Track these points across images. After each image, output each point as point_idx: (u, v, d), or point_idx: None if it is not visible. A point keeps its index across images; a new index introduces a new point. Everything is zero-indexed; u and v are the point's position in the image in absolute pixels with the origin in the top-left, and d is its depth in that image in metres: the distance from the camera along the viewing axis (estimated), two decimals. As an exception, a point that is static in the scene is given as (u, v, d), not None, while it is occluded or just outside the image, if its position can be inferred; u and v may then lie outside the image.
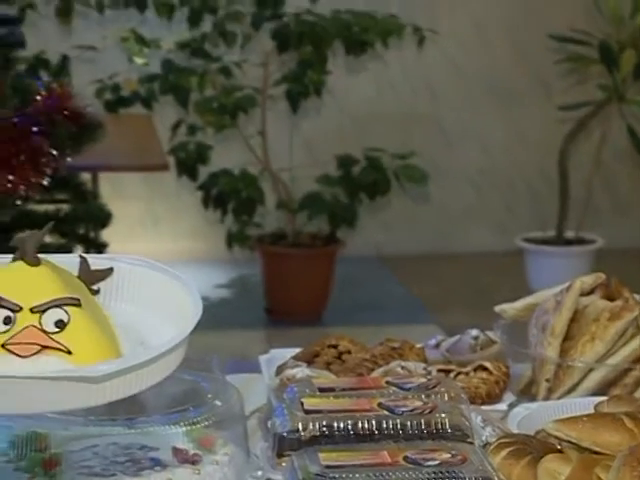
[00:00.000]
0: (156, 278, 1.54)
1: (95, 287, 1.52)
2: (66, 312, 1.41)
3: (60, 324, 1.40)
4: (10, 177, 3.06)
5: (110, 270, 1.53)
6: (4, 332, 1.39)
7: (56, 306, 1.41)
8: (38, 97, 3.22)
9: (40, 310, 1.40)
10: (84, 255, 1.53)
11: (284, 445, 1.68)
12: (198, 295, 1.49)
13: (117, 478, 1.66)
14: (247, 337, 5.65)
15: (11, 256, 1.46)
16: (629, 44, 6.10)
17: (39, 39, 4.71)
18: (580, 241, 6.35)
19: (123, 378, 1.39)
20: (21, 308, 1.40)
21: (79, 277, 1.51)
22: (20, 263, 1.44)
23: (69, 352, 1.39)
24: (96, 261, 1.54)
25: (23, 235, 1.46)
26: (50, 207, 3.65)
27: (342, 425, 1.68)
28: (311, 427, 1.67)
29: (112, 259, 1.55)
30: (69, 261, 1.52)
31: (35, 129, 3.16)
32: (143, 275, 1.55)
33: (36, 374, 1.35)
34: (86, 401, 1.39)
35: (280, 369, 2.07)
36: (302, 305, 6.10)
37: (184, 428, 1.71)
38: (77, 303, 1.42)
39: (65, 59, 3.86)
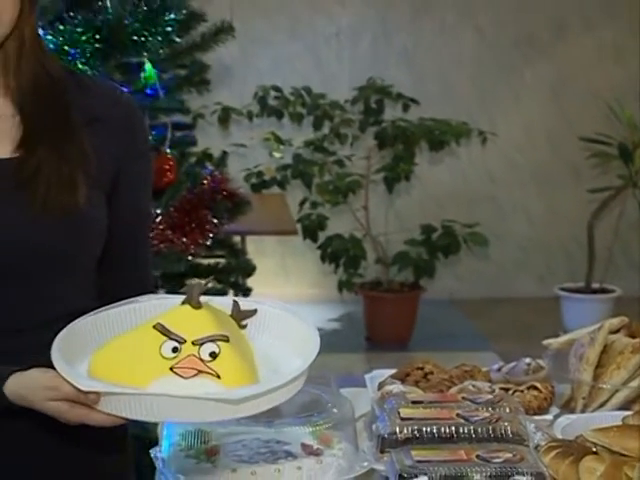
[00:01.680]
0: (287, 318, 1.52)
1: (243, 323, 1.51)
2: (218, 346, 1.39)
3: (213, 354, 1.38)
4: (184, 239, 3.08)
5: (255, 311, 1.52)
6: (172, 358, 1.38)
7: (210, 341, 1.39)
8: (204, 181, 3.24)
9: (199, 343, 1.38)
10: (236, 299, 1.52)
11: (385, 444, 1.65)
12: (317, 332, 1.47)
13: (259, 465, 1.64)
14: (352, 359, 5.60)
15: (182, 297, 1.45)
16: (640, 144, 6.06)
17: (205, 139, 4.75)
18: (603, 290, 6.24)
19: (259, 399, 1.37)
20: (185, 341, 1.39)
21: (231, 315, 1.49)
22: (187, 306, 1.44)
23: (218, 376, 1.37)
24: (245, 303, 1.52)
25: (191, 284, 1.46)
26: (211, 261, 3.65)
27: (429, 429, 1.64)
28: (405, 431, 1.64)
29: (256, 302, 1.53)
30: (226, 302, 1.51)
31: (202, 204, 3.18)
32: (278, 315, 1.53)
33: (194, 394, 1.35)
34: (230, 414, 1.37)
35: (380, 385, 2.04)
36: (393, 335, 6.05)
37: (310, 429, 1.69)
38: (226, 339, 1.40)
39: (224, 154, 3.88)
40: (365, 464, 1.67)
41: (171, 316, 1.43)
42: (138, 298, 1.52)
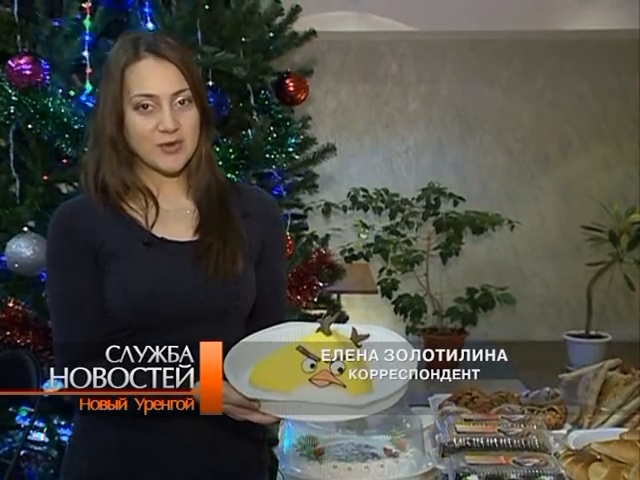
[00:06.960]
0: (389, 338, 1.49)
1: (359, 343, 1.46)
2: (343, 363, 1.37)
3: (340, 370, 1.37)
4: (298, 297, 3.08)
5: (367, 335, 1.48)
6: (310, 372, 1.37)
7: (337, 359, 1.38)
8: (313, 255, 3.24)
9: (329, 361, 1.37)
10: (355, 326, 1.48)
11: (445, 449, 1.61)
12: (411, 347, 1.42)
13: (353, 463, 1.62)
14: (415, 383, 5.37)
15: (313, 324, 1.44)
16: (624, 231, 5.93)
17: (313, 225, 4.77)
18: (598, 336, 6.07)
19: (373, 405, 1.35)
20: (319, 359, 1.38)
21: (351, 338, 1.46)
22: (320, 333, 1.42)
23: (344, 386, 1.36)
24: (361, 330, 1.48)
25: (324, 318, 1.45)
26: (316, 312, 3.63)
27: (477, 440, 1.60)
28: (460, 440, 1.60)
29: (369, 329, 1.49)
30: (347, 329, 1.48)
31: (311, 272, 3.17)
32: (383, 336, 1.49)
33: (326, 402, 1.33)
34: (353, 415, 1.36)
35: (440, 405, 1.99)
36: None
37: (390, 437, 1.66)
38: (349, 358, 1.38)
39: (326, 236, 3.88)
40: (430, 464, 1.64)
41: (309, 340, 1.42)
42: (280, 325, 1.51)
